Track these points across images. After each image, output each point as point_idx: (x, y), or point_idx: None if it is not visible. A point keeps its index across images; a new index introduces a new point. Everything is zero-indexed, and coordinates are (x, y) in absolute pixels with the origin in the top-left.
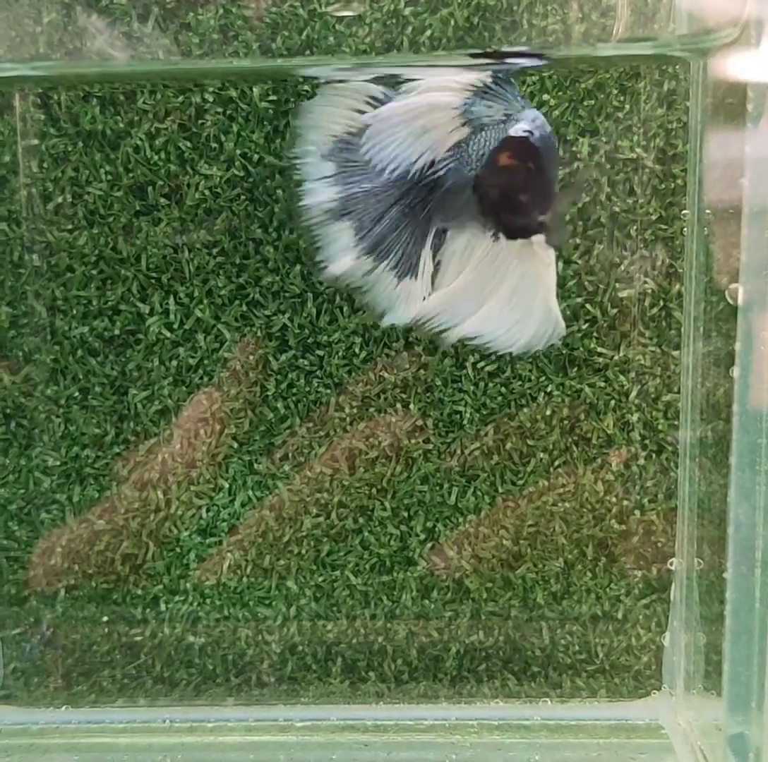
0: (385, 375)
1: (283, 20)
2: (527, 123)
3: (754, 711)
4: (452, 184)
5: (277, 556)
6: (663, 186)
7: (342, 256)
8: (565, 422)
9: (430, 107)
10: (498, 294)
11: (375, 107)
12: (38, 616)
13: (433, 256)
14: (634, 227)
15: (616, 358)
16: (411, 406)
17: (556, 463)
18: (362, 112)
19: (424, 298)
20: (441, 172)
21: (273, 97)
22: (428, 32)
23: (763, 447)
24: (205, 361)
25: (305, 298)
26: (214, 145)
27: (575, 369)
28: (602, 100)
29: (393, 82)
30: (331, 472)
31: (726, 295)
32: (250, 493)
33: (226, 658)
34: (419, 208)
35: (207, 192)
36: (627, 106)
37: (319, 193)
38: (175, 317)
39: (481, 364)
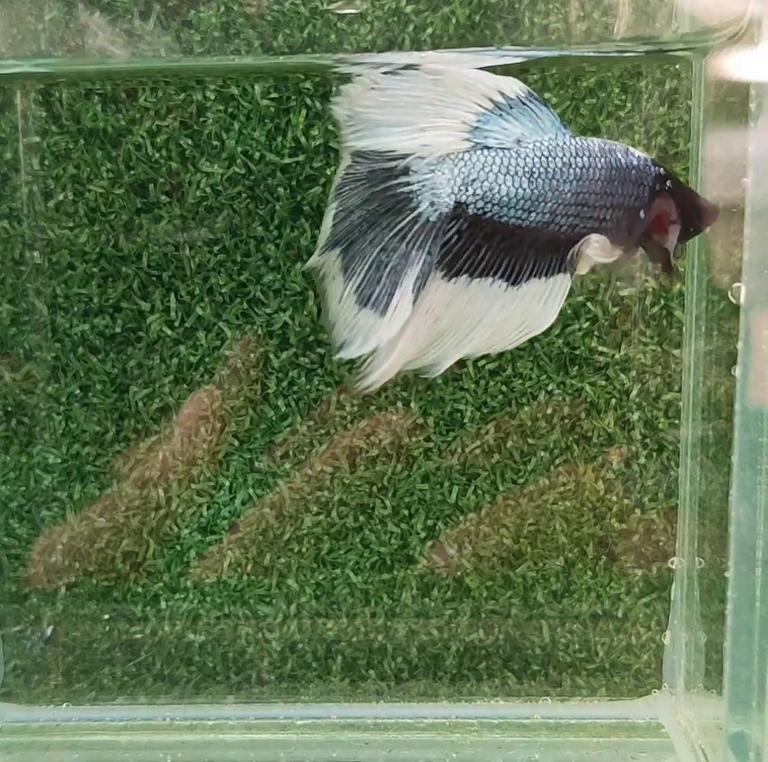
0: None
1: (285, 18)
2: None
3: (754, 710)
4: (440, 219)
5: (278, 554)
6: None
7: (333, 289)
8: (566, 421)
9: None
10: (485, 329)
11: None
12: (39, 614)
13: (415, 298)
14: None
15: (616, 356)
16: (412, 404)
17: (557, 461)
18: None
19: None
20: (414, 187)
21: (274, 95)
22: (429, 30)
23: (764, 446)
24: (206, 359)
25: (306, 296)
26: (215, 142)
27: (576, 367)
28: (603, 98)
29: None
30: (332, 470)
31: (728, 294)
32: (251, 490)
33: (227, 656)
34: (401, 241)
35: (208, 190)
36: (628, 105)
37: (327, 215)
38: (176, 315)
39: (482, 362)
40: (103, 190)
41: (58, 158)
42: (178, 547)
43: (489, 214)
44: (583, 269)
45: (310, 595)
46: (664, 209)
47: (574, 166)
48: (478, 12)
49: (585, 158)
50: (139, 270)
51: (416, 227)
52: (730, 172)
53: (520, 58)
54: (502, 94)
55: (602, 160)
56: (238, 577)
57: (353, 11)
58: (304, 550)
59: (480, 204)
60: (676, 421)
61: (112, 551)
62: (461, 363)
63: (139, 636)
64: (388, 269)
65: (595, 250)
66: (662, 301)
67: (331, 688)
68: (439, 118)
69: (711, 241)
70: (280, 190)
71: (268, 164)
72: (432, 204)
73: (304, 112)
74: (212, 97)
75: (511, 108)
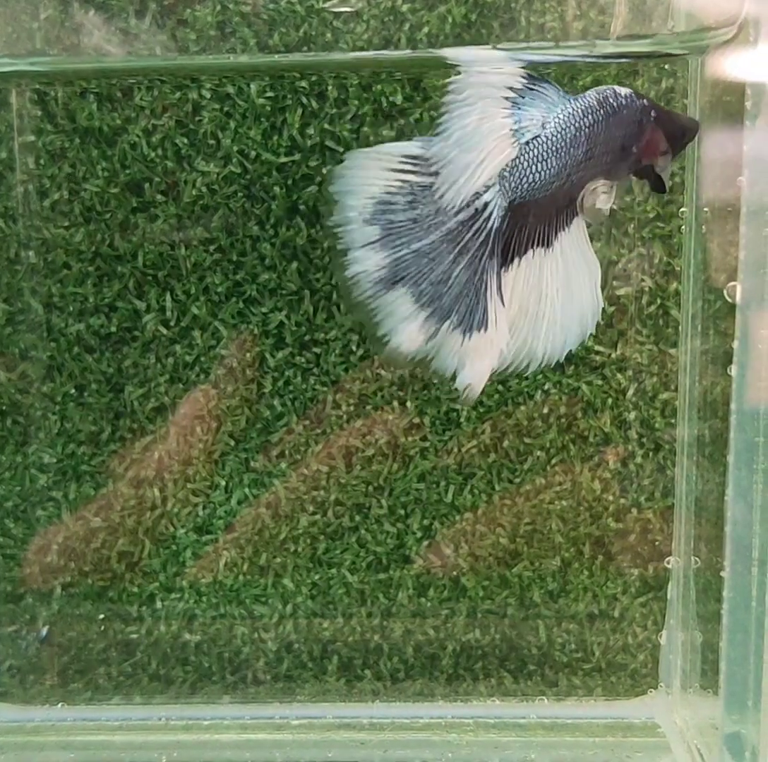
0: (382, 372)
1: (280, 16)
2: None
3: (750, 710)
4: (501, 222)
5: (274, 553)
6: None
7: (404, 327)
8: (562, 420)
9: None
10: (555, 307)
11: (413, 164)
12: (34, 614)
13: (502, 300)
14: (632, 225)
15: (613, 356)
16: (408, 403)
17: (553, 461)
18: (398, 172)
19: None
20: (492, 211)
21: (270, 94)
22: (426, 29)
23: (760, 445)
24: (202, 359)
25: (302, 295)
26: (211, 141)
27: (572, 367)
28: None
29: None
30: (328, 469)
31: (724, 293)
32: (247, 490)
33: (222, 655)
34: (476, 258)
35: (204, 189)
36: None
37: (366, 260)
38: (172, 314)
39: None
40: (99, 189)
41: (54, 157)
42: (173, 547)
43: (527, 199)
44: (597, 220)
45: (306, 595)
46: (654, 137)
47: (583, 127)
48: (475, 11)
49: (589, 116)
50: (135, 269)
51: (488, 242)
52: (726, 172)
53: (558, 58)
54: (512, 88)
55: (601, 111)
56: (234, 577)
57: (349, 10)
58: (300, 549)
59: (524, 195)
60: (673, 421)
61: (107, 551)
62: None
63: (134, 636)
64: (473, 287)
65: (602, 196)
66: (658, 301)
67: (327, 688)
68: (488, 138)
69: (707, 240)
70: (276, 189)
71: (263, 163)
72: (500, 217)
73: (299, 110)
74: (208, 95)
75: (524, 97)
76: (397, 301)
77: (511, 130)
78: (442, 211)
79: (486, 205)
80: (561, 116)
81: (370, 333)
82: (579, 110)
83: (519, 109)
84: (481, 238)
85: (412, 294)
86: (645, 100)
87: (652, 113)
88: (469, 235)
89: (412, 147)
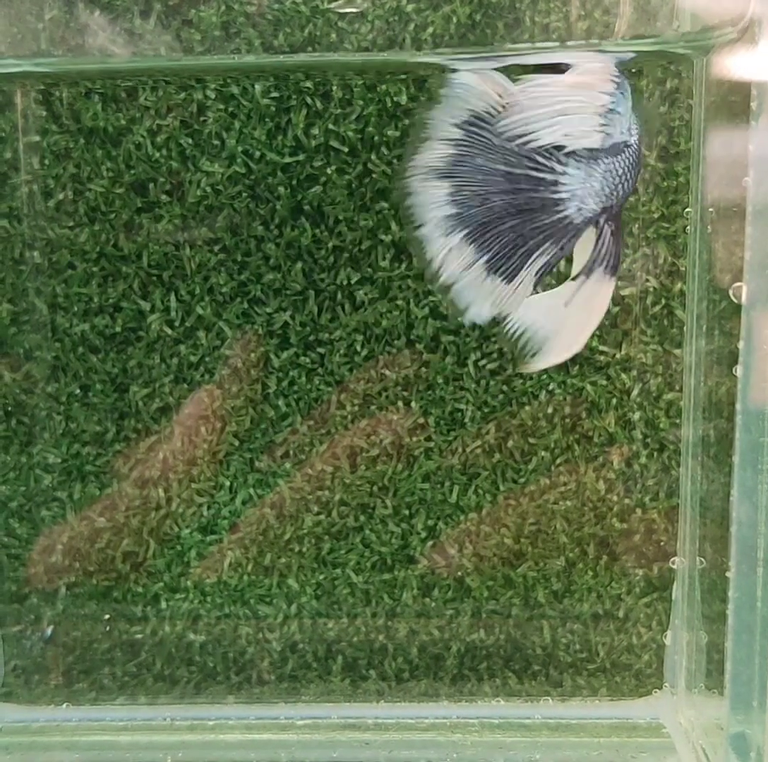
0: (387, 373)
1: (285, 17)
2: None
3: (755, 710)
4: (573, 214)
5: (278, 554)
6: (665, 184)
7: (460, 271)
8: (567, 420)
9: (579, 102)
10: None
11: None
12: (39, 614)
13: (535, 284)
14: (637, 225)
15: (617, 356)
16: (412, 403)
17: (558, 461)
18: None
19: (508, 305)
20: (563, 194)
21: (275, 94)
22: (430, 29)
23: (765, 446)
24: (206, 359)
25: (307, 295)
26: (215, 141)
27: (577, 367)
28: None
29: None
30: (332, 469)
31: (729, 293)
32: (251, 490)
33: (227, 656)
34: (534, 226)
35: (208, 189)
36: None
37: (429, 154)
38: (176, 314)
39: (483, 361)
40: (104, 190)
41: (58, 157)
42: (178, 547)
43: (615, 210)
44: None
45: (311, 595)
46: None
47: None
48: (479, 11)
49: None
50: (140, 269)
51: (559, 225)
52: (732, 172)
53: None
54: (605, 92)
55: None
56: (239, 577)
57: (354, 10)
58: (304, 550)
59: (617, 203)
60: (677, 421)
61: (112, 551)
62: (462, 362)
63: (139, 636)
64: (521, 251)
65: None
66: (663, 301)
67: (331, 688)
68: (576, 114)
69: (712, 240)
70: (281, 189)
71: (268, 163)
72: (579, 209)
73: (304, 111)
74: (212, 96)
75: (614, 99)
76: (462, 236)
77: (598, 115)
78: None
79: (566, 192)
80: (634, 134)
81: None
82: (633, 117)
83: (611, 111)
84: (555, 221)
85: (475, 234)
86: None
87: None
88: (542, 209)
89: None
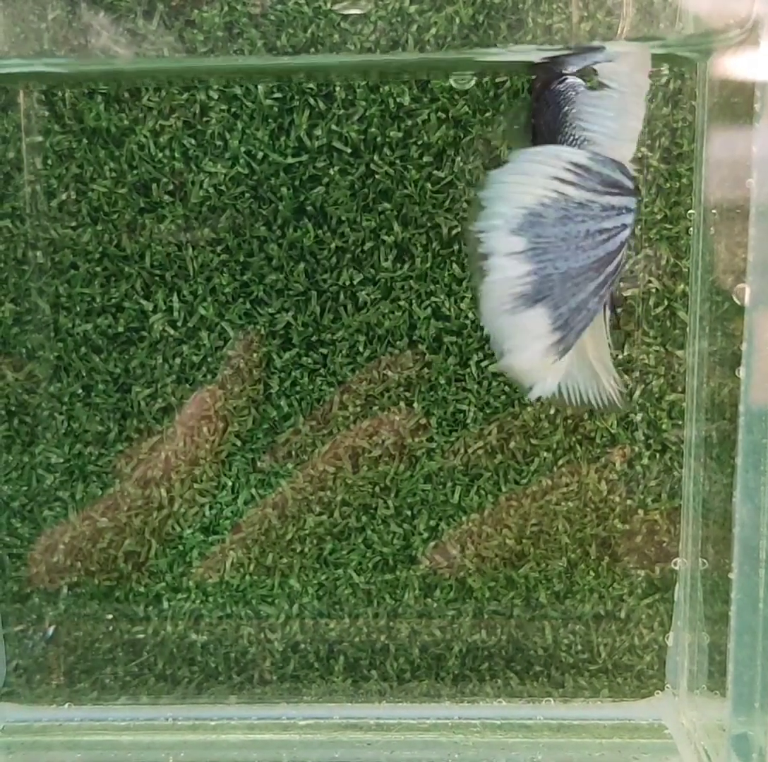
0: (389, 373)
1: (288, 18)
2: None
3: (757, 711)
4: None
5: (280, 554)
6: (668, 185)
7: (533, 345)
8: (569, 421)
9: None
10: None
11: (577, 174)
12: (41, 614)
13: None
14: (639, 226)
15: (620, 357)
16: (414, 404)
17: (560, 462)
18: (561, 180)
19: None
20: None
21: (277, 95)
22: (433, 30)
23: (767, 447)
24: (209, 359)
25: (309, 296)
26: (218, 142)
27: None
28: None
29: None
30: (334, 470)
31: (732, 294)
32: (253, 490)
33: (229, 656)
34: (605, 288)
35: (211, 189)
36: None
37: (508, 269)
38: (179, 315)
39: (485, 363)
40: (106, 190)
41: (61, 158)
42: (180, 547)
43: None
44: None
45: (313, 596)
46: None
47: None
48: (482, 12)
49: None
50: (142, 270)
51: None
52: (735, 173)
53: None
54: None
55: None
56: (241, 577)
57: (357, 11)
58: (306, 550)
59: None
60: (680, 422)
61: (114, 551)
62: (464, 363)
63: (141, 636)
64: (592, 319)
65: None
66: (666, 302)
67: (333, 688)
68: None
69: (715, 241)
70: (283, 189)
71: (271, 164)
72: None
73: (307, 112)
74: (215, 96)
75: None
76: (534, 319)
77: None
78: (590, 234)
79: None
80: None
81: (494, 339)
82: None
83: None
84: (613, 269)
85: (549, 316)
86: None
87: None
88: (610, 268)
89: (581, 155)
